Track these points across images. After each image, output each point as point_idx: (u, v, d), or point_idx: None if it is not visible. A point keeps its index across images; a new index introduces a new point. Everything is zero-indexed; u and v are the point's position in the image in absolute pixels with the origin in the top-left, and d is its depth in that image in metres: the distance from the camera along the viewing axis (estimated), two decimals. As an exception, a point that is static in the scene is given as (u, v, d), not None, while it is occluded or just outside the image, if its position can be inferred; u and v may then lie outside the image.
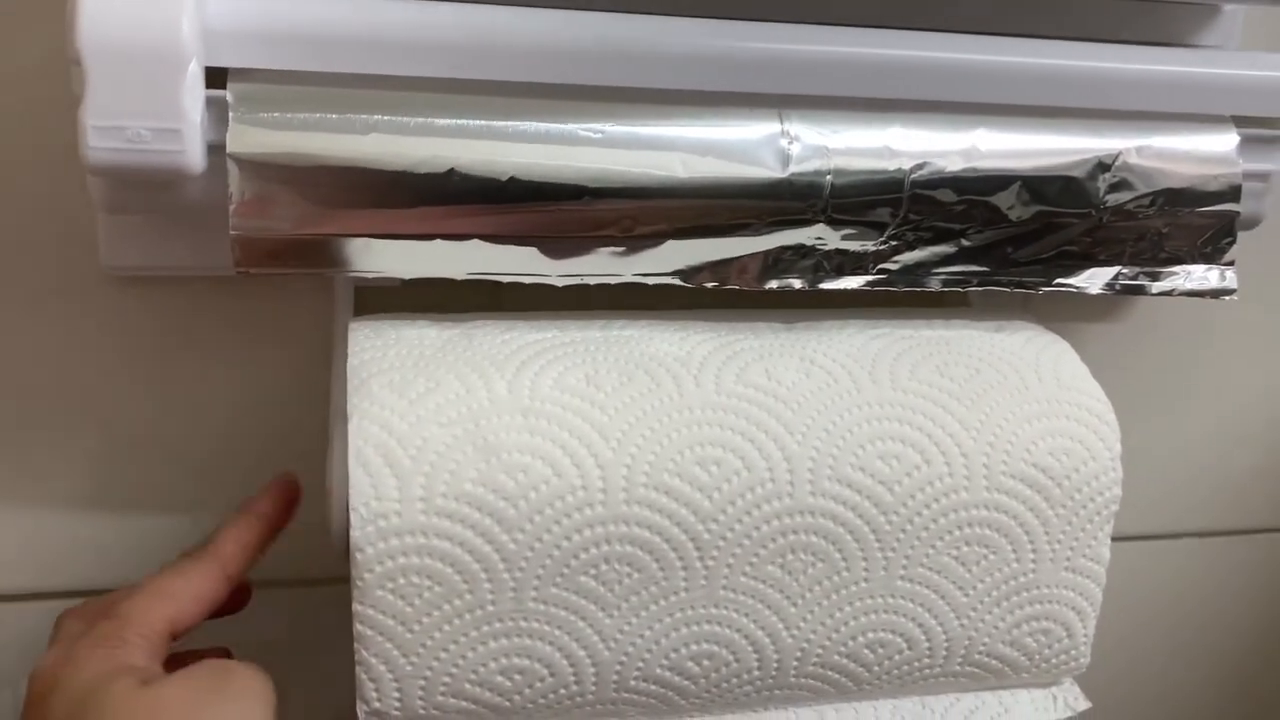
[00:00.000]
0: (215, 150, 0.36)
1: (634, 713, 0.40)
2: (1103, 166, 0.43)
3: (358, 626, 0.36)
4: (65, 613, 0.38)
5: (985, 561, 0.41)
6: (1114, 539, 0.43)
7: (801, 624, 0.40)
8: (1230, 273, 0.46)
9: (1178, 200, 0.44)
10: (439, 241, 0.38)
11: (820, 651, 0.40)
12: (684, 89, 0.40)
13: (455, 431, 0.36)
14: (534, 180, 0.38)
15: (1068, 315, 0.53)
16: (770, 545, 0.39)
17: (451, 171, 0.37)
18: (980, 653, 0.42)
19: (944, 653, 0.42)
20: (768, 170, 0.40)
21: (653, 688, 0.39)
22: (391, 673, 0.37)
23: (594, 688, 0.39)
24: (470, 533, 0.36)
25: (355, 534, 0.35)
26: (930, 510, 0.40)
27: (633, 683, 0.39)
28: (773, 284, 0.42)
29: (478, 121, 0.38)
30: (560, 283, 0.40)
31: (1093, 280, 0.44)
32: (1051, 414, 0.41)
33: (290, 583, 0.47)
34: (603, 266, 0.40)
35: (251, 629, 0.41)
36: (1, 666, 0.45)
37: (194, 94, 0.34)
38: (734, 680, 0.40)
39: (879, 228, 0.41)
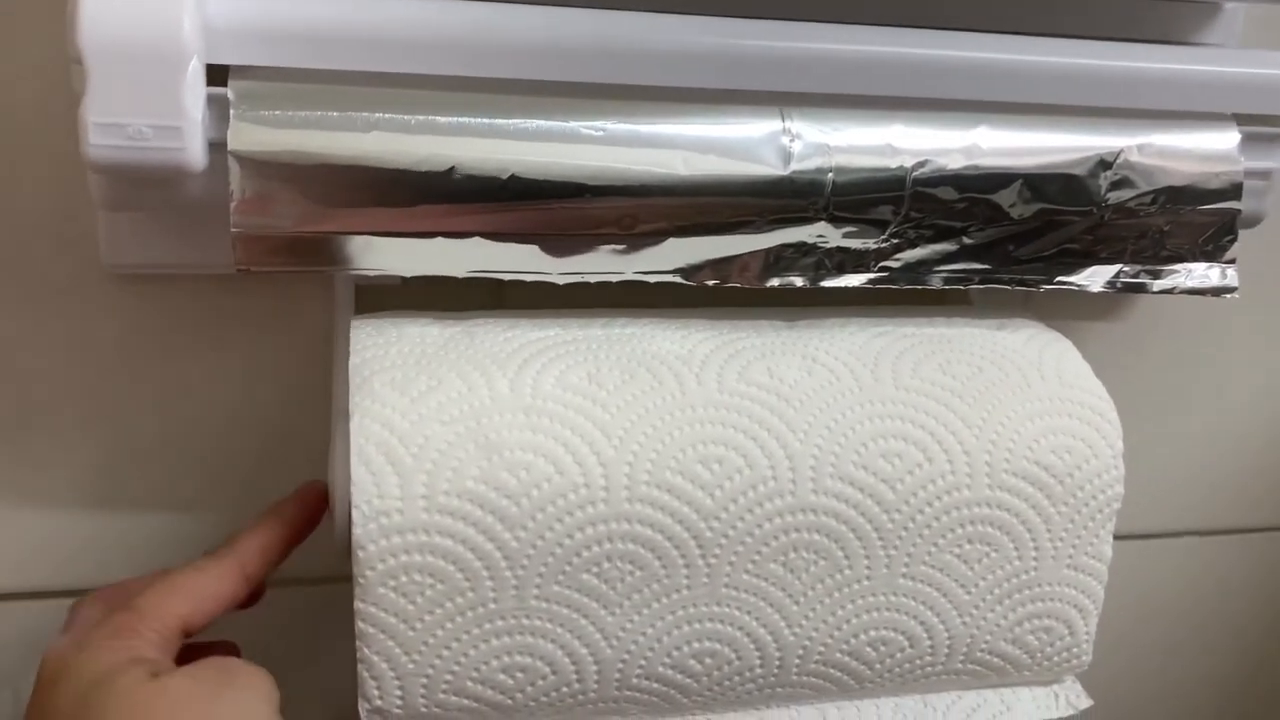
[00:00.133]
0: (216, 148, 0.36)
1: (636, 711, 0.40)
2: (1104, 164, 0.43)
3: (360, 624, 0.36)
4: (82, 599, 0.38)
5: (987, 559, 0.41)
6: (1115, 537, 0.43)
7: (803, 622, 0.40)
8: (1232, 271, 0.46)
9: (1179, 198, 0.44)
10: (440, 239, 0.38)
11: (822, 649, 0.40)
12: (685, 86, 0.40)
13: (457, 429, 0.36)
14: (535, 178, 0.38)
15: (1069, 313, 0.53)
16: (772, 543, 0.39)
17: (452, 169, 0.37)
18: (982, 650, 0.42)
19: (946, 650, 0.42)
20: (769, 168, 0.40)
21: (655, 686, 0.39)
22: (393, 670, 0.37)
23: (596, 686, 0.39)
24: (472, 530, 0.36)
25: (357, 532, 0.35)
26: (932, 508, 0.40)
27: (635, 681, 0.39)
28: (774, 282, 0.42)
29: (479, 119, 0.38)
30: (561, 280, 0.40)
31: (1094, 278, 0.44)
32: (1053, 412, 0.41)
33: (292, 581, 0.46)
34: (604, 264, 0.40)
35: (254, 627, 0.41)
36: (1, 666, 0.45)
37: (195, 91, 0.34)
38: (736, 678, 0.40)
39: (880, 225, 0.41)
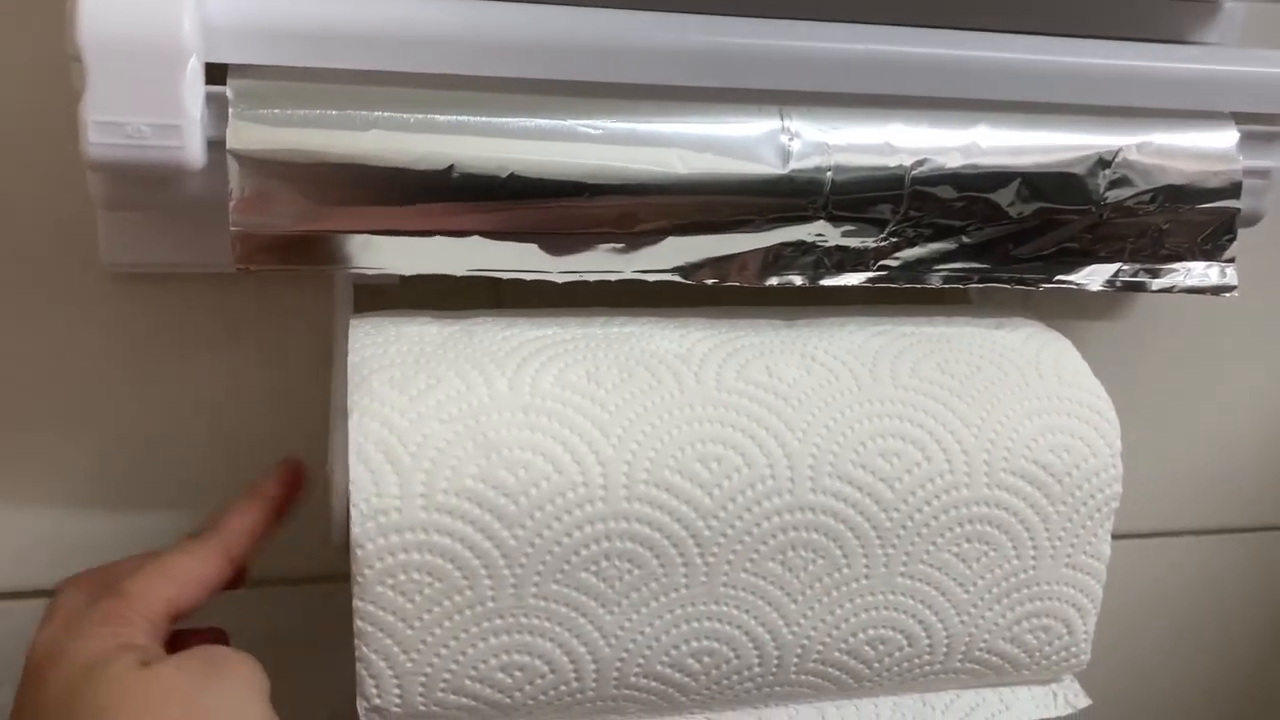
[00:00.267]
0: (215, 146, 0.36)
1: (634, 709, 0.40)
2: (1103, 163, 0.43)
3: (358, 623, 0.36)
4: (64, 582, 0.38)
5: (986, 558, 0.41)
6: (1113, 536, 0.43)
7: (802, 621, 0.40)
8: (1231, 270, 0.46)
9: (1178, 197, 0.44)
10: (439, 238, 0.38)
11: (821, 648, 0.40)
12: (684, 85, 0.40)
13: (456, 428, 0.36)
14: (534, 177, 0.38)
15: (1068, 312, 0.53)
16: (771, 542, 0.39)
17: (451, 168, 0.37)
18: (981, 649, 0.42)
19: (944, 649, 0.42)
20: (768, 166, 0.40)
21: (653, 684, 0.39)
22: (392, 669, 0.37)
23: (594, 684, 0.39)
24: (471, 529, 0.36)
25: (356, 530, 0.35)
26: (931, 507, 0.40)
27: (633, 679, 0.39)
28: (773, 281, 0.42)
29: (478, 118, 0.38)
30: (560, 279, 0.40)
31: (1093, 277, 0.44)
32: (1052, 411, 0.41)
33: (290, 579, 0.47)
34: (603, 263, 0.40)
35: (252, 625, 0.41)
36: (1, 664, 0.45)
37: (194, 90, 0.34)
38: (734, 677, 0.40)
39: (879, 224, 0.41)
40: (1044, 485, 0.41)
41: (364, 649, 0.36)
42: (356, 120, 0.37)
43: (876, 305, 0.45)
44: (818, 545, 0.39)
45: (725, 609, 0.39)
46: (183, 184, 0.37)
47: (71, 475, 0.45)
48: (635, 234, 0.40)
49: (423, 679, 0.37)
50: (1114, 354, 0.55)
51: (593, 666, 0.38)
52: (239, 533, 0.38)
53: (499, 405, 0.37)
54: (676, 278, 0.41)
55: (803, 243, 0.41)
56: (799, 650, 0.40)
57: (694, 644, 0.39)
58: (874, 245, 0.42)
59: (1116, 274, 0.45)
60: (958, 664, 0.42)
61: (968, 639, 0.42)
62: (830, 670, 0.41)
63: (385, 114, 0.37)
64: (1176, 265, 0.45)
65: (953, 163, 0.41)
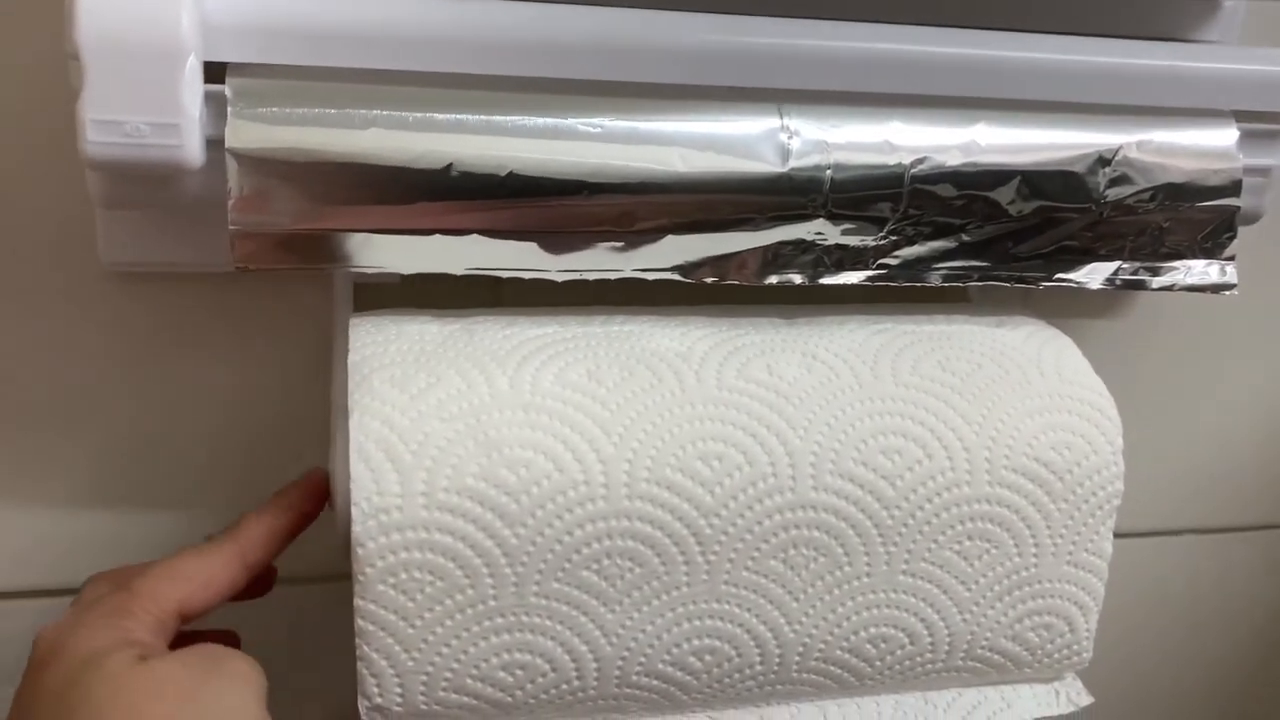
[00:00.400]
0: (214, 145, 0.36)
1: (636, 708, 0.40)
2: (1103, 161, 0.43)
3: (359, 622, 0.36)
4: (93, 577, 0.38)
5: (987, 556, 0.41)
6: (1114, 534, 0.43)
7: (804, 619, 0.40)
8: (1231, 268, 0.46)
9: (1178, 195, 0.44)
10: (438, 237, 0.38)
11: (822, 646, 0.40)
12: (683, 84, 0.40)
13: (457, 426, 0.36)
14: (533, 175, 0.38)
15: (1069, 311, 0.53)
16: (772, 540, 0.39)
17: (450, 166, 0.37)
18: (982, 647, 0.42)
19: (946, 647, 0.42)
20: (768, 165, 0.40)
21: (655, 683, 0.39)
22: (393, 668, 0.37)
23: (596, 683, 0.39)
24: (472, 527, 0.36)
25: (357, 529, 0.35)
26: (932, 505, 0.40)
27: (635, 678, 0.39)
28: (773, 279, 0.41)
29: (477, 116, 0.38)
30: (560, 278, 0.40)
31: (1093, 275, 0.44)
32: (1053, 408, 0.41)
33: (292, 579, 0.46)
34: (602, 262, 0.40)
35: (254, 625, 0.41)
36: (1, 664, 0.45)
37: (193, 89, 0.34)
38: (736, 675, 0.40)
39: (879, 223, 0.41)
40: (1045, 483, 0.41)
41: (365, 648, 0.36)
42: (355, 119, 0.37)
43: (877, 303, 0.45)
44: (819, 543, 0.39)
45: (727, 607, 0.39)
46: (181, 183, 0.37)
47: (70, 475, 0.45)
48: (635, 232, 0.40)
49: (424, 678, 0.37)
50: (1114, 352, 0.55)
51: (594, 665, 0.38)
52: (256, 540, 0.38)
53: (500, 404, 0.37)
54: (676, 276, 0.41)
55: (802, 241, 0.41)
56: (801, 648, 0.40)
57: (696, 642, 0.39)
58: (874, 244, 0.42)
59: (1116, 272, 0.45)
60: (960, 662, 0.42)
61: (970, 637, 0.42)
62: (832, 668, 0.41)
63: (384, 112, 0.37)
64: (1176, 263, 0.45)
65: (952, 161, 0.41)
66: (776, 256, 0.41)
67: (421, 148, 0.37)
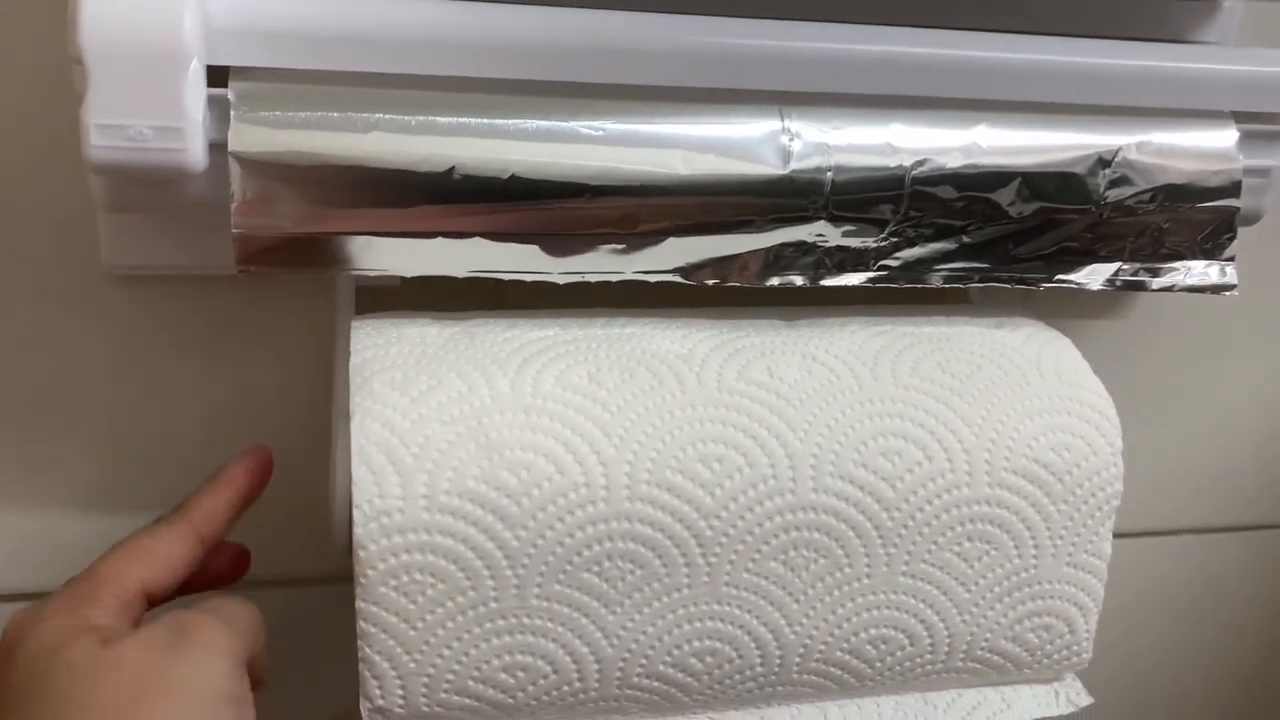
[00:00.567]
0: (217, 149, 0.36)
1: (637, 710, 0.40)
2: (1103, 162, 0.43)
3: (361, 624, 0.36)
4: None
5: (987, 557, 0.41)
6: (1114, 535, 0.43)
7: (804, 620, 0.40)
8: (1231, 268, 0.46)
9: (1178, 196, 0.44)
10: (440, 239, 0.38)
11: (823, 648, 0.40)
12: (685, 86, 0.40)
13: (458, 429, 0.36)
14: (535, 178, 0.38)
15: (1069, 312, 0.53)
16: (773, 542, 0.39)
17: (452, 169, 0.37)
18: (982, 648, 0.42)
19: (946, 648, 0.42)
20: (769, 167, 0.40)
21: (656, 684, 0.39)
22: (395, 670, 0.37)
23: (597, 685, 0.39)
24: (473, 530, 0.36)
25: (358, 531, 0.35)
26: (932, 506, 0.40)
27: (636, 679, 0.39)
28: (774, 281, 0.42)
29: (478, 119, 0.38)
30: (561, 280, 0.40)
31: (1093, 276, 0.45)
32: (1053, 410, 0.41)
33: (294, 581, 0.47)
34: (604, 264, 0.40)
35: (260, 629, 0.41)
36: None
37: (196, 93, 0.35)
38: (737, 677, 0.40)
39: (880, 224, 0.41)
40: (1045, 484, 0.41)
41: (367, 650, 0.37)
42: (358, 122, 0.37)
43: (877, 305, 0.45)
44: (820, 545, 0.39)
45: (727, 609, 0.39)
46: (184, 186, 0.37)
47: (72, 477, 0.45)
48: (636, 235, 0.40)
49: (426, 680, 0.37)
50: (1114, 353, 0.55)
51: (595, 667, 0.38)
52: (208, 514, 0.38)
53: (501, 406, 0.37)
54: (677, 278, 0.41)
55: (803, 243, 0.41)
56: (801, 650, 0.40)
57: (696, 644, 0.39)
58: (874, 245, 0.42)
59: (1116, 273, 0.45)
60: (959, 663, 0.43)
61: (969, 638, 0.42)
62: (832, 670, 0.41)
63: (386, 116, 0.37)
64: (1177, 264, 0.45)
65: (953, 163, 0.41)
66: (778, 258, 0.41)
67: (423, 151, 0.37)
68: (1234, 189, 0.45)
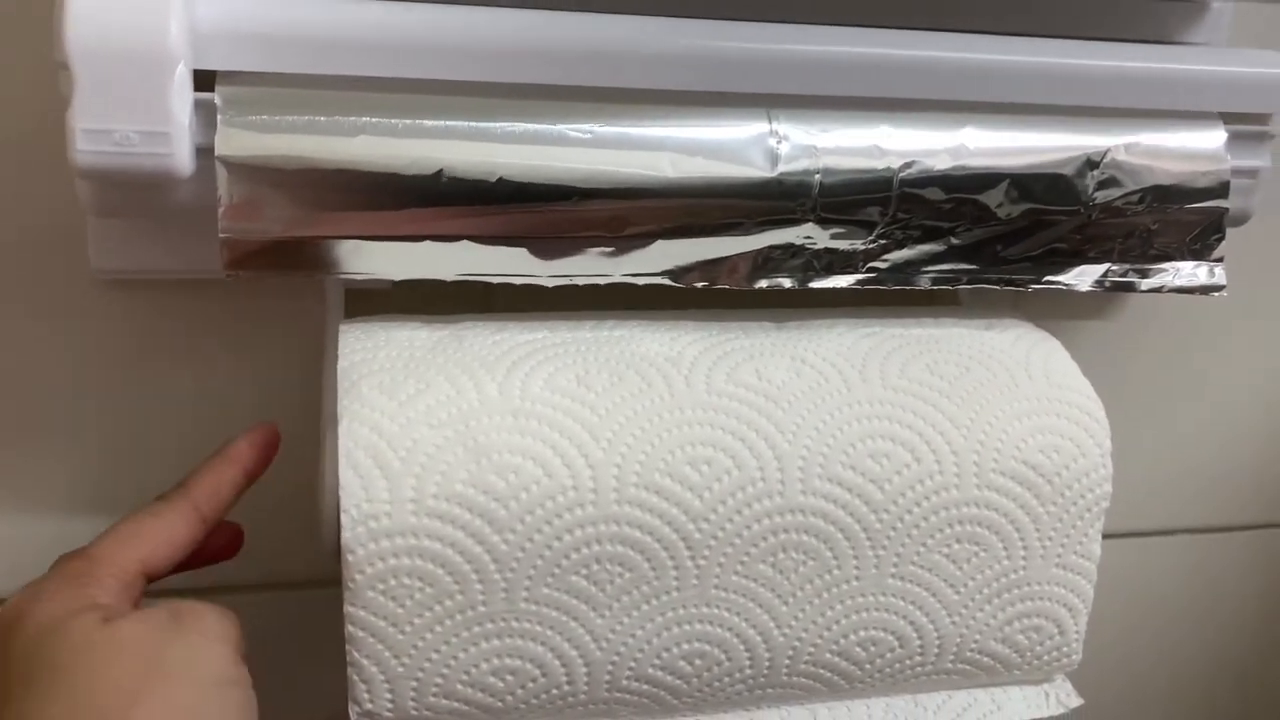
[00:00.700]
0: (204, 153, 0.36)
1: (626, 712, 0.40)
2: (1091, 164, 0.43)
3: (349, 628, 0.36)
4: (61, 556, 0.38)
5: (976, 559, 0.41)
6: (1107, 536, 0.43)
7: (793, 622, 0.40)
8: (1219, 269, 0.46)
9: (1166, 197, 0.44)
10: (428, 243, 0.38)
11: (812, 650, 0.40)
12: (672, 89, 0.40)
13: (446, 433, 0.36)
14: (523, 181, 0.38)
15: (1059, 313, 0.53)
16: (761, 544, 0.39)
17: (440, 173, 0.37)
18: (972, 650, 0.42)
19: (936, 650, 0.42)
20: (756, 170, 0.40)
21: (645, 687, 0.39)
22: (383, 674, 0.37)
23: (586, 688, 0.39)
24: (461, 534, 0.36)
25: (346, 535, 0.35)
26: (921, 508, 0.40)
27: (625, 682, 0.39)
28: (762, 283, 0.42)
29: (466, 123, 0.38)
30: (550, 283, 0.40)
31: (1082, 277, 0.45)
32: (1041, 411, 0.41)
33: (282, 585, 0.47)
34: (592, 267, 0.40)
35: (243, 631, 0.41)
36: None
37: (182, 97, 0.35)
38: (726, 679, 0.40)
39: (868, 226, 0.42)
40: (1034, 486, 0.41)
41: (355, 654, 0.36)
42: (345, 126, 0.37)
43: (866, 307, 0.45)
44: (808, 547, 0.39)
45: (716, 611, 0.39)
46: (172, 191, 0.37)
47: (60, 481, 0.45)
48: (624, 237, 0.40)
49: (414, 684, 0.37)
50: (1106, 354, 0.55)
51: (584, 670, 0.38)
52: (209, 492, 0.38)
53: (489, 410, 0.37)
54: (666, 281, 0.41)
55: (792, 245, 0.41)
56: (790, 652, 0.40)
57: (685, 646, 0.39)
58: (863, 247, 0.42)
59: (1105, 274, 0.45)
60: (949, 665, 0.43)
61: (959, 640, 0.42)
62: (822, 672, 0.41)
63: (374, 119, 0.37)
64: (1165, 265, 0.45)
65: (941, 164, 0.41)
66: (766, 261, 0.41)
67: (411, 154, 0.37)
68: (1222, 190, 0.45)
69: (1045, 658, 0.44)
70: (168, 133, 0.34)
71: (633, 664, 0.39)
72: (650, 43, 0.39)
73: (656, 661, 0.39)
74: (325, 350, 0.41)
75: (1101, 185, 0.43)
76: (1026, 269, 0.44)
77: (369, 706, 0.37)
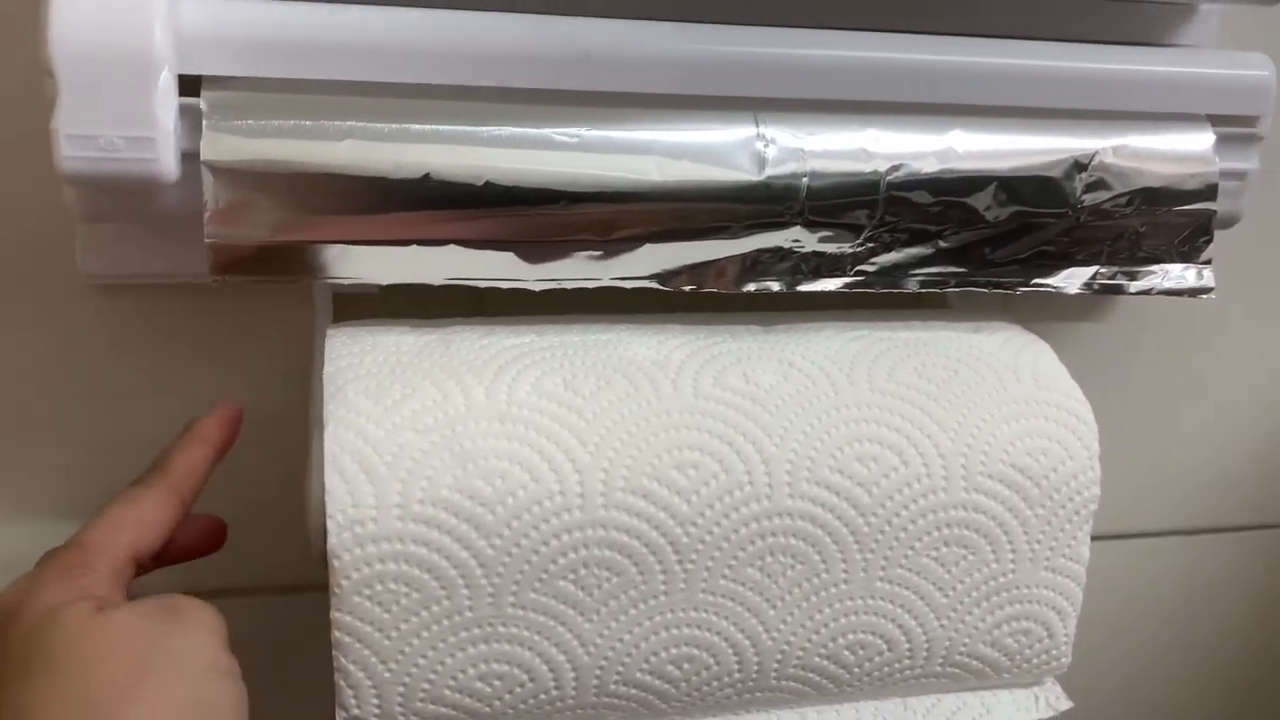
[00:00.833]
0: (190, 158, 0.36)
1: (614, 717, 0.40)
2: (1079, 166, 0.43)
3: (336, 633, 0.36)
4: (50, 550, 0.38)
5: (964, 562, 0.41)
6: (1098, 538, 0.43)
7: (781, 626, 0.40)
8: (1208, 271, 0.46)
9: (1155, 199, 0.44)
10: (415, 247, 0.38)
11: (800, 654, 0.40)
12: (659, 93, 0.40)
13: (432, 438, 0.36)
14: (510, 185, 0.38)
15: (1051, 315, 0.53)
16: (749, 548, 0.39)
17: (427, 177, 0.37)
18: (961, 653, 0.42)
19: (924, 654, 0.42)
20: (744, 173, 0.40)
21: (633, 692, 0.39)
22: (370, 679, 0.37)
23: (574, 692, 0.39)
24: (447, 539, 0.36)
25: (332, 541, 0.35)
26: (908, 511, 0.40)
27: (613, 687, 0.39)
28: (750, 286, 0.42)
29: (453, 127, 0.38)
30: (537, 287, 0.40)
31: (1070, 280, 0.45)
32: (1029, 414, 0.41)
33: (271, 589, 0.47)
34: (580, 270, 0.40)
35: (232, 636, 0.41)
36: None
37: (167, 102, 0.35)
38: (714, 683, 0.40)
39: (856, 230, 0.41)
40: (1022, 489, 0.41)
41: (342, 660, 0.36)
42: (331, 130, 0.37)
43: (855, 310, 0.45)
44: (796, 550, 0.39)
45: (704, 615, 0.39)
46: (158, 196, 0.37)
47: (46, 486, 0.45)
48: (612, 241, 0.40)
49: (401, 689, 0.37)
50: (1095, 356, 0.55)
51: (572, 675, 0.38)
52: (184, 471, 0.38)
53: (475, 414, 0.37)
54: (655, 284, 0.41)
55: (779, 249, 0.41)
56: (779, 656, 0.40)
57: (673, 651, 0.39)
58: (850, 251, 0.42)
59: (1094, 277, 0.45)
60: (938, 668, 0.42)
61: (948, 643, 0.42)
62: (810, 675, 0.41)
63: (360, 124, 0.37)
64: (1154, 268, 0.45)
65: (928, 168, 0.41)
66: (754, 264, 0.41)
67: (398, 158, 0.37)
68: (1210, 192, 0.45)
69: (1034, 661, 0.44)
70: (152, 138, 0.34)
71: (620, 669, 0.39)
72: (637, 46, 0.39)
73: (644, 666, 0.39)
74: (314, 354, 0.41)
75: (1090, 188, 0.43)
76: (1015, 272, 0.44)
77: (356, 712, 0.37)
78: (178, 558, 0.39)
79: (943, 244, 0.43)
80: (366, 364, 0.38)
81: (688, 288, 0.41)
